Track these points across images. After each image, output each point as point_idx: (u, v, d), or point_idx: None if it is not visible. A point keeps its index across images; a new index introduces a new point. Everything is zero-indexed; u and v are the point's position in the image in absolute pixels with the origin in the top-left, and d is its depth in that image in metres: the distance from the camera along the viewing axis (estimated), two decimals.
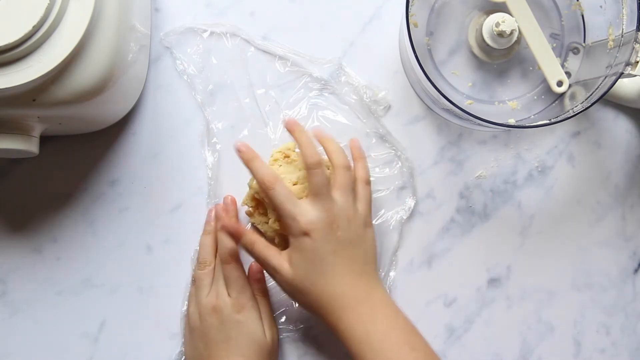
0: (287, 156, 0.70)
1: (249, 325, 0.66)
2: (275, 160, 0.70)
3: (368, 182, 0.69)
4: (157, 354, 0.72)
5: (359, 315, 0.62)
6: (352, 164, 0.69)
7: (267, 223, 0.69)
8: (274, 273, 0.64)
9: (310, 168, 0.63)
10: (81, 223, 0.72)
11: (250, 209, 0.71)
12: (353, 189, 0.67)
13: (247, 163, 0.65)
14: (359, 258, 0.65)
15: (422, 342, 0.64)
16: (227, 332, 0.65)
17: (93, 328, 0.71)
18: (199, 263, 0.70)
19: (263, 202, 0.69)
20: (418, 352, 0.62)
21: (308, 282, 0.63)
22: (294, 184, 0.67)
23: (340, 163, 0.66)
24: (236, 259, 0.68)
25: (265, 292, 0.71)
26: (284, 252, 0.64)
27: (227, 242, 0.67)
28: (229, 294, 0.67)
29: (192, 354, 0.68)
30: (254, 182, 0.68)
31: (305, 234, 0.62)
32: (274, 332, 0.69)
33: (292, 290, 0.64)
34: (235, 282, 0.67)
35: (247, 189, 0.71)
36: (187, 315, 0.70)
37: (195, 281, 0.69)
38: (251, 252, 0.65)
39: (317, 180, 0.63)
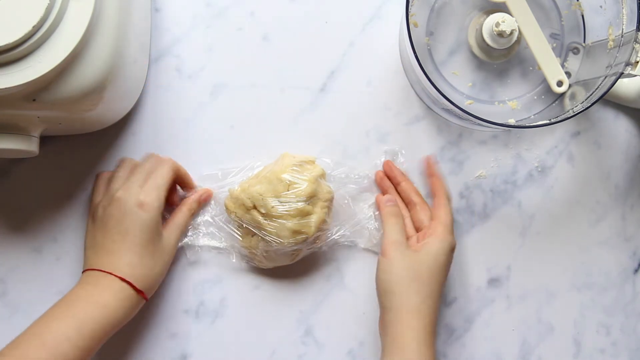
0: (300, 165, 0.70)
1: (147, 223, 0.65)
2: (288, 166, 0.69)
3: (447, 197, 0.72)
4: (157, 354, 0.72)
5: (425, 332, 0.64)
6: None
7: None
8: (393, 242, 0.67)
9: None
10: (81, 223, 0.72)
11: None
12: None
13: (388, 217, 0.70)
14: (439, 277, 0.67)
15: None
16: (126, 225, 0.64)
17: None
18: (123, 161, 0.70)
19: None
20: None
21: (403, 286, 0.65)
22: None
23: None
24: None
25: (189, 209, 0.70)
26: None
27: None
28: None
29: (91, 243, 0.66)
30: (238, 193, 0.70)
31: (453, 249, 0.68)
32: (172, 238, 0.68)
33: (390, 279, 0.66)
34: (152, 182, 0.67)
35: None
36: (91, 204, 0.69)
37: (113, 173, 0.69)
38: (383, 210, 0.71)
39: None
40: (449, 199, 0.72)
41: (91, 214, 0.68)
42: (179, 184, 0.71)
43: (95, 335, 0.60)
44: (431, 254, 0.66)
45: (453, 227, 0.69)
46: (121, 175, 0.68)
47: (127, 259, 0.64)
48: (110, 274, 0.63)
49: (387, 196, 0.71)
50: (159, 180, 0.67)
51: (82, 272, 0.65)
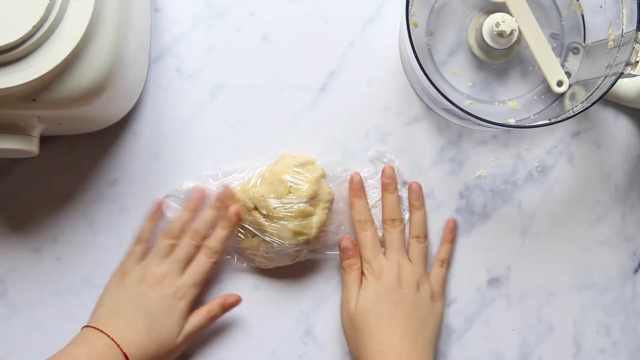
0: (302, 165, 0.70)
1: (172, 319, 0.66)
2: (289, 167, 0.69)
3: (445, 264, 0.73)
4: None
5: None
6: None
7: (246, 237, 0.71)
8: (345, 302, 0.69)
9: (388, 226, 0.71)
10: (81, 223, 0.72)
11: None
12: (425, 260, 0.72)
13: (353, 198, 0.71)
14: (417, 322, 0.67)
15: None
16: (153, 309, 0.65)
17: None
18: (167, 232, 0.69)
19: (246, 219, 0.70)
20: None
21: (364, 322, 0.66)
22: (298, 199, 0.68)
23: (422, 235, 0.72)
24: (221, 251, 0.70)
25: (212, 313, 0.70)
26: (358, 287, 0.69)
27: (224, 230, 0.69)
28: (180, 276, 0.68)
29: (110, 304, 0.66)
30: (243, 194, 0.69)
31: (377, 277, 0.68)
32: (184, 340, 0.67)
33: (349, 324, 0.68)
34: (199, 270, 0.68)
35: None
36: (125, 263, 0.69)
37: (155, 245, 0.69)
38: (343, 255, 0.70)
39: (393, 237, 0.71)
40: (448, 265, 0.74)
41: (122, 274, 0.68)
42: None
43: None
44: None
45: (443, 291, 0.72)
46: (160, 251, 0.68)
47: (138, 337, 0.63)
48: (116, 344, 0.62)
49: (348, 260, 0.71)
50: (199, 276, 0.68)
51: (85, 327, 0.65)
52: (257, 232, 0.69)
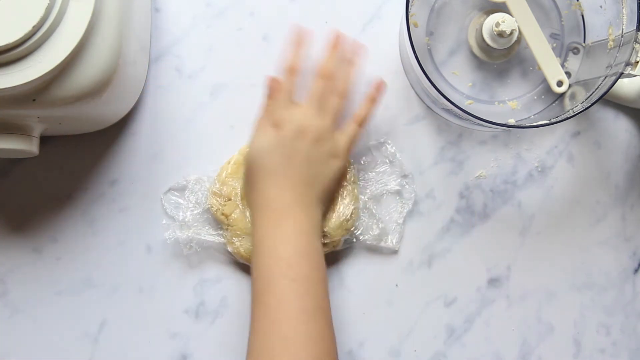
0: None
1: (336, 173, 0.68)
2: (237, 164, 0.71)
3: (361, 124, 0.69)
4: (157, 354, 0.72)
5: (268, 219, 0.64)
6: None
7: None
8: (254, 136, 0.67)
9: (317, 76, 0.67)
10: (81, 223, 0.72)
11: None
12: (337, 114, 0.68)
13: (292, 44, 0.67)
14: (307, 178, 0.65)
15: (307, 275, 0.61)
16: (316, 169, 0.66)
17: (93, 328, 0.71)
18: (290, 67, 0.67)
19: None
20: (297, 283, 0.60)
21: (251, 169, 0.66)
22: None
23: (343, 92, 0.68)
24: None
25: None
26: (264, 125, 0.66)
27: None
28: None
29: (273, 162, 0.65)
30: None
31: (276, 125, 0.65)
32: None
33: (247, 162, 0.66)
34: (350, 132, 0.69)
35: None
36: (277, 115, 0.66)
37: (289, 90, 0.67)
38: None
39: (317, 91, 0.67)
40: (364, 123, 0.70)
41: (275, 123, 0.66)
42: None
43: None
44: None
45: (350, 148, 0.69)
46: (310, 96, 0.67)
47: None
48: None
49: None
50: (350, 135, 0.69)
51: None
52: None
